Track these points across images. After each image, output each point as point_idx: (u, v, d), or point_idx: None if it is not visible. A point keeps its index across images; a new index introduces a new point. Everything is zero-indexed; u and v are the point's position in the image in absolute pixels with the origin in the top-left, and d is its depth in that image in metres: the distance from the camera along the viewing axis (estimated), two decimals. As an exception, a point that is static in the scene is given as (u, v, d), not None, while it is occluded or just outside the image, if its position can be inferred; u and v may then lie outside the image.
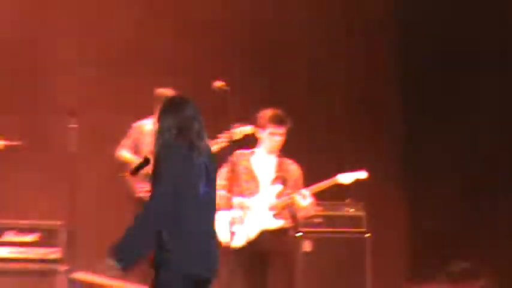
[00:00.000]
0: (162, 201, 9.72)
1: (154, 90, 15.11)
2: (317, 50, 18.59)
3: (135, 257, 9.84)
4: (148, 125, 15.11)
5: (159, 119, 10.38)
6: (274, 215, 12.39)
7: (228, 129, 13.33)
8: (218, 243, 10.32)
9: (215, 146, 13.96)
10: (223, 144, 13.72)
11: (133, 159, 15.04)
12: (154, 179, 9.79)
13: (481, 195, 16.45)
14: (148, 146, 14.63)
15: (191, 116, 10.35)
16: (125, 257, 9.31)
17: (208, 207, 10.10)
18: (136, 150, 15.01)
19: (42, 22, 17.78)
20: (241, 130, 13.37)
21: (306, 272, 14.04)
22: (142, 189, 14.57)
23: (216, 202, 10.20)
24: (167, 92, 14.61)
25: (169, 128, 10.21)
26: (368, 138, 16.72)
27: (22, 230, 14.75)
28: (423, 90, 18.58)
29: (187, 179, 10.01)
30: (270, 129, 12.54)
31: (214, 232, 10.11)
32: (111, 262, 9.76)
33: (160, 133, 10.24)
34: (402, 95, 18.83)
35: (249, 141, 13.26)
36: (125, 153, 15.08)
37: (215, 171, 10.36)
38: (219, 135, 13.82)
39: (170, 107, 10.44)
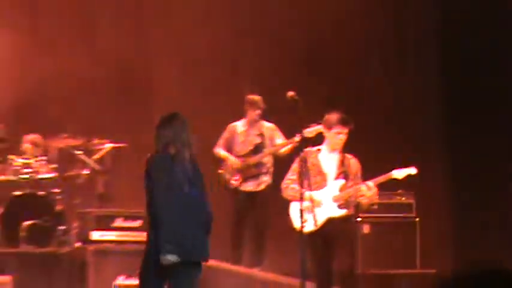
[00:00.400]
0: (168, 211, 11.12)
1: (246, 96, 15.69)
2: (368, 59, 18.30)
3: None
4: (239, 127, 15.63)
5: (156, 133, 11.31)
6: (338, 205, 12.63)
7: (300, 131, 13.88)
8: (203, 232, 11.34)
9: (290, 144, 15.09)
10: (296, 143, 14.09)
11: (227, 156, 15.52)
12: (152, 183, 11.29)
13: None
14: (239, 145, 15.66)
15: (179, 129, 11.36)
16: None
17: (192, 204, 11.15)
18: (228, 149, 15.48)
19: (149, 45, 17.58)
20: (314, 129, 13.51)
21: (364, 251, 14.31)
22: (236, 180, 15.40)
23: (201, 200, 11.38)
24: (256, 98, 15.48)
25: (160, 141, 11.31)
26: (416, 136, 16.73)
27: (128, 217, 15.29)
28: (465, 85, 17.76)
29: (170, 183, 11.18)
30: (337, 129, 12.68)
31: (198, 223, 11.20)
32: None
33: (155, 145, 11.39)
34: (444, 92, 18.26)
35: (317, 140, 13.21)
36: (220, 151, 15.48)
37: (198, 175, 11.44)
38: (293, 136, 14.40)
39: (163, 123, 11.43)
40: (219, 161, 15.57)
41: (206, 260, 11.46)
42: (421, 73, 18.17)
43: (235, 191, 15.55)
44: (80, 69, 16.88)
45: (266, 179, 15.49)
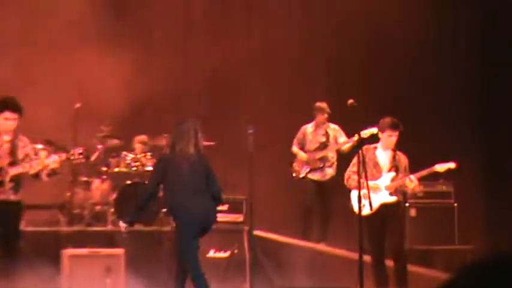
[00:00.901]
0: (148, 186, 12.50)
1: (315, 103, 15.90)
2: (413, 69, 17.72)
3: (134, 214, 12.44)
4: (309, 128, 15.98)
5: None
6: (390, 193, 13.07)
7: (358, 132, 14.24)
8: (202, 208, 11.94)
9: (350, 143, 15.43)
10: (355, 142, 14.34)
11: (298, 152, 15.86)
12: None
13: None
14: (308, 143, 16.01)
15: (186, 129, 11.99)
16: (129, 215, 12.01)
17: (189, 186, 11.89)
18: (301, 146, 15.84)
19: (237, 57, 17.14)
20: (369, 131, 14.03)
21: (411, 230, 14.45)
22: (305, 170, 15.74)
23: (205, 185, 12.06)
24: (323, 104, 15.80)
25: (170, 142, 12.53)
26: (455, 135, 16.55)
27: None
28: (499, 84, 17.47)
29: (171, 172, 12.07)
30: (388, 132, 13.06)
31: (197, 200, 11.89)
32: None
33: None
34: (477, 97, 17.93)
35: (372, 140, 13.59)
36: (294, 148, 15.85)
37: (204, 166, 12.11)
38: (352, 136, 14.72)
39: (175, 128, 12.27)
40: (294, 157, 15.86)
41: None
42: (458, 79, 17.82)
43: (305, 179, 15.85)
44: (177, 78, 16.87)
45: (330, 171, 15.85)
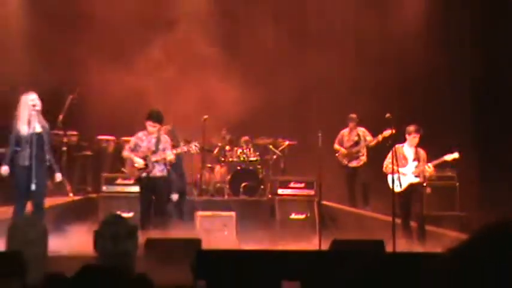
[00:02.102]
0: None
1: (349, 115, 15.77)
2: (429, 85, 16.73)
3: None
4: (346, 131, 15.85)
5: None
6: (414, 176, 13.14)
7: (381, 133, 14.60)
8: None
9: (374, 141, 15.43)
10: (379, 141, 15.01)
11: (339, 148, 15.74)
12: None
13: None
14: (346, 142, 15.87)
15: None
16: None
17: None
18: (341, 144, 15.78)
19: (311, 75, 16.75)
20: (387, 133, 13.93)
21: (428, 202, 14.05)
22: (345, 160, 15.78)
23: None
24: (353, 116, 15.75)
25: None
26: (459, 133, 15.94)
27: (297, 181, 14.85)
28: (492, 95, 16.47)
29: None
30: (413, 134, 13.10)
31: None
32: None
33: None
34: (474, 103, 17.00)
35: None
36: (335, 145, 15.76)
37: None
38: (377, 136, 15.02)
39: None
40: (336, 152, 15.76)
41: None
42: (459, 94, 17.02)
43: (346, 166, 15.79)
44: (271, 96, 16.53)
45: (363, 158, 15.70)
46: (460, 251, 1.40)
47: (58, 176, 11.86)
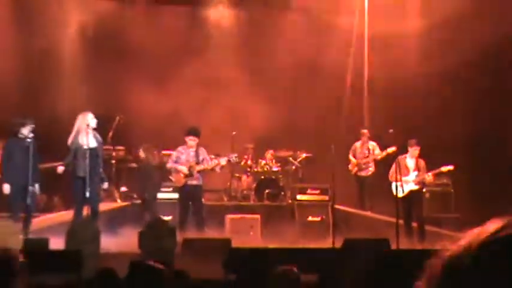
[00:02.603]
0: None
1: (361, 130, 15.51)
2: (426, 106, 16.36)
3: None
4: (357, 145, 15.51)
5: None
6: (415, 184, 13.11)
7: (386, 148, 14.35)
8: None
9: (381, 154, 15.02)
10: (385, 154, 14.72)
11: (351, 159, 15.45)
12: None
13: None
14: (357, 154, 15.56)
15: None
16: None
17: None
18: (354, 156, 15.50)
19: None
20: (391, 149, 14.04)
21: (427, 206, 14.04)
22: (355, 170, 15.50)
23: None
24: (365, 130, 15.50)
25: None
26: (453, 149, 15.25)
27: (313, 188, 14.77)
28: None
29: None
30: (414, 147, 13.08)
31: None
32: None
33: None
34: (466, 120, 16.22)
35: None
36: (351, 157, 15.43)
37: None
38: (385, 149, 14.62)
39: None
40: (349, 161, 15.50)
41: None
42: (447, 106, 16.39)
43: (356, 175, 15.50)
44: (291, 113, 16.51)
45: (371, 169, 15.36)
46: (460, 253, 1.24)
47: (105, 185, 12.10)
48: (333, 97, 16.81)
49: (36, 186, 11.30)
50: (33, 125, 11.28)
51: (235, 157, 13.57)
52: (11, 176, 11.15)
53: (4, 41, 14.93)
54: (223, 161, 13.03)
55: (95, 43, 15.65)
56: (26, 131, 11.21)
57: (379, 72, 16.65)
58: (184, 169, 12.71)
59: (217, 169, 13.15)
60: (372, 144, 15.49)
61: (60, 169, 11.59)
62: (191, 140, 12.76)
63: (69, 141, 11.47)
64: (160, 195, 13.91)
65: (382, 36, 16.65)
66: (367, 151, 15.52)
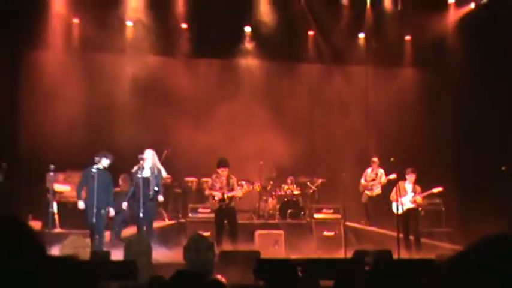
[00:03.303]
0: None
1: (372, 158, 15.39)
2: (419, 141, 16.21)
3: None
4: (368, 170, 15.36)
5: None
6: (411, 203, 13.01)
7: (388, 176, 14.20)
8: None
9: (385, 180, 14.89)
10: (388, 180, 14.65)
11: (361, 182, 15.28)
12: None
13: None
14: (367, 179, 15.33)
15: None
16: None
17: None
18: (365, 180, 15.41)
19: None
20: (392, 176, 13.96)
21: (422, 221, 13.66)
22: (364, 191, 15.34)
23: None
24: (375, 159, 15.28)
25: None
26: (442, 172, 15.10)
27: (327, 208, 14.60)
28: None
29: None
30: (411, 174, 12.97)
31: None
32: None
33: None
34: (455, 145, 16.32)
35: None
36: (362, 180, 15.37)
37: None
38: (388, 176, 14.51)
39: None
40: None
41: None
42: (438, 139, 16.42)
43: (364, 195, 15.32)
44: (309, 142, 16.41)
45: (377, 191, 15.17)
46: (457, 260, 1.22)
47: (160, 198, 11.99)
48: (344, 132, 16.69)
49: (111, 209, 11.36)
50: (112, 159, 11.40)
51: (258, 185, 14.08)
52: (87, 199, 11.22)
53: (75, 91, 15.04)
54: (239, 192, 12.86)
55: (145, 90, 15.70)
56: (105, 163, 11.26)
57: (382, 110, 16.62)
58: (218, 194, 12.73)
59: (239, 195, 12.98)
60: (381, 171, 15.31)
61: (124, 205, 11.64)
62: (222, 170, 12.76)
63: (132, 171, 11.67)
64: (200, 215, 13.94)
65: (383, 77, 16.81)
66: (375, 175, 15.38)
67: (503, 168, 13.69)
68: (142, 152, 11.76)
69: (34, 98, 14.59)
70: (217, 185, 12.82)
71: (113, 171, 11.98)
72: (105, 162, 11.33)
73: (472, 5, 16.00)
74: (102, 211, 11.06)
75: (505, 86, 14.22)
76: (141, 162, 11.55)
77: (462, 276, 1.15)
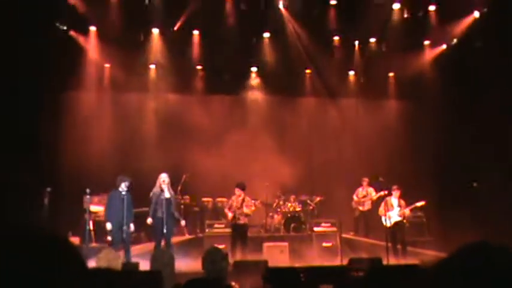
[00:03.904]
0: None
1: (362, 178, 15.21)
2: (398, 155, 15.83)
3: None
4: (360, 189, 15.17)
5: None
6: (398, 216, 13.00)
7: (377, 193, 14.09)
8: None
9: (374, 197, 14.71)
10: (377, 197, 14.50)
11: (355, 199, 15.12)
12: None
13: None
14: (359, 196, 15.17)
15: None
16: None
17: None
18: (356, 195, 15.32)
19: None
20: (381, 193, 13.81)
21: (407, 232, 13.54)
22: (357, 208, 15.21)
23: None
24: (366, 179, 15.10)
25: None
26: (423, 187, 14.53)
27: (326, 223, 14.30)
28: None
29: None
30: (396, 191, 12.89)
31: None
32: None
33: None
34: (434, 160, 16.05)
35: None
36: (354, 197, 15.13)
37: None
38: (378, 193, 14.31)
39: None
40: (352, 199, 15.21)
41: None
42: (419, 160, 16.08)
43: (356, 210, 15.23)
44: (309, 164, 16.15)
45: (368, 207, 15.07)
46: (440, 266, 1.17)
47: (182, 222, 12.19)
48: (338, 156, 16.65)
49: (131, 225, 11.30)
50: (130, 182, 11.35)
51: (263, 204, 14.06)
52: (112, 218, 11.21)
53: (107, 125, 15.24)
54: (248, 210, 12.79)
55: (165, 123, 15.73)
56: (124, 186, 11.27)
57: (370, 137, 16.56)
58: (230, 215, 12.77)
59: (248, 212, 12.89)
60: (371, 189, 15.22)
61: (149, 221, 11.61)
62: (238, 191, 12.77)
63: (151, 193, 11.58)
64: (216, 230, 13.87)
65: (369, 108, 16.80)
66: (365, 193, 15.29)
67: (475, 184, 13.65)
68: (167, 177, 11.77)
69: (73, 131, 14.74)
70: (234, 204, 12.82)
71: (138, 192, 12.01)
72: (124, 186, 11.26)
73: (444, 46, 16.26)
74: (125, 228, 11.07)
75: (476, 114, 14.14)
76: (163, 185, 11.52)
77: (446, 282, 1.12)
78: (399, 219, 13.15)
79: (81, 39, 14.73)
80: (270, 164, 15.22)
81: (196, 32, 15.48)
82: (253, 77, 16.90)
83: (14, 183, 11.07)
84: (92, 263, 8.60)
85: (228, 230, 13.19)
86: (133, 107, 15.79)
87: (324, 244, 14.16)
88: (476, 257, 1.13)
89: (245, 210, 12.73)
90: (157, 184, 11.55)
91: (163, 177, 11.57)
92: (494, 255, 1.12)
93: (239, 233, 12.70)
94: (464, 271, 1.11)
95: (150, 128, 15.77)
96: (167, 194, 11.46)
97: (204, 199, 15.48)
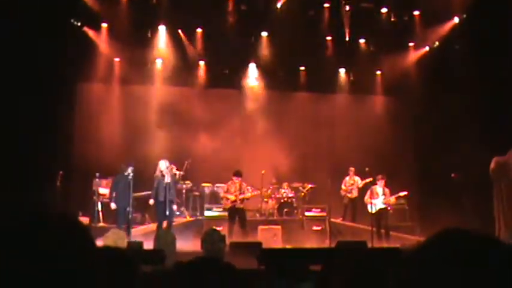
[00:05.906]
0: None
1: (349, 167, 15.17)
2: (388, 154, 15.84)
3: None
4: (347, 178, 15.02)
5: None
6: (383, 203, 13.05)
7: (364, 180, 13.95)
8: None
9: (361, 184, 14.44)
10: (364, 184, 14.30)
11: (343, 187, 14.85)
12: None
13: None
14: (346, 184, 14.99)
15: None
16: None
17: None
18: (344, 184, 15.16)
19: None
20: (368, 180, 13.56)
21: (390, 218, 13.53)
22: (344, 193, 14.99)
23: None
24: (352, 168, 14.93)
25: None
26: (407, 179, 14.83)
27: (315, 208, 14.36)
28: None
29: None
30: (381, 180, 13.02)
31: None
32: None
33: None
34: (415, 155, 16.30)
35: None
36: (342, 186, 14.95)
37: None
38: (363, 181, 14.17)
39: None
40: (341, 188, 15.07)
41: None
42: (403, 151, 16.15)
43: (344, 197, 15.02)
44: (306, 156, 15.76)
45: (355, 194, 14.86)
46: (418, 250, 1.19)
47: (174, 207, 12.03)
48: (329, 146, 16.58)
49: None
50: (133, 167, 11.30)
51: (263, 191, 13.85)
52: (117, 200, 11.20)
53: (115, 114, 15.22)
54: (248, 195, 12.99)
55: (170, 113, 15.57)
56: (129, 170, 11.25)
57: (358, 129, 16.49)
58: (231, 197, 12.77)
59: (248, 197, 13.00)
60: (357, 178, 15.08)
61: (151, 201, 11.62)
62: (236, 179, 12.82)
63: (154, 177, 11.60)
64: (214, 213, 13.83)
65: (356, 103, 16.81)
66: (352, 181, 15.19)
67: (453, 175, 13.67)
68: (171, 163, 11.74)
69: (84, 119, 14.73)
70: (232, 190, 12.84)
71: (143, 176, 11.88)
72: (129, 170, 11.26)
73: (427, 48, 16.33)
74: (128, 209, 11.11)
75: (455, 111, 14.08)
76: (163, 169, 11.51)
77: (424, 263, 1.14)
78: (383, 206, 13.16)
79: (93, 35, 14.75)
80: (265, 153, 15.15)
81: (199, 30, 15.49)
82: (252, 72, 16.78)
83: (32, 166, 11.09)
84: (99, 242, 8.90)
85: (225, 213, 13.19)
86: (140, 98, 15.69)
87: (314, 228, 14.13)
88: (451, 240, 1.16)
89: (246, 194, 12.77)
90: (158, 169, 11.56)
91: (165, 163, 11.60)
92: (467, 238, 1.15)
93: (238, 216, 12.73)
94: (440, 253, 1.14)
95: (154, 118, 15.64)
96: (167, 179, 11.47)
97: (204, 184, 15.46)
